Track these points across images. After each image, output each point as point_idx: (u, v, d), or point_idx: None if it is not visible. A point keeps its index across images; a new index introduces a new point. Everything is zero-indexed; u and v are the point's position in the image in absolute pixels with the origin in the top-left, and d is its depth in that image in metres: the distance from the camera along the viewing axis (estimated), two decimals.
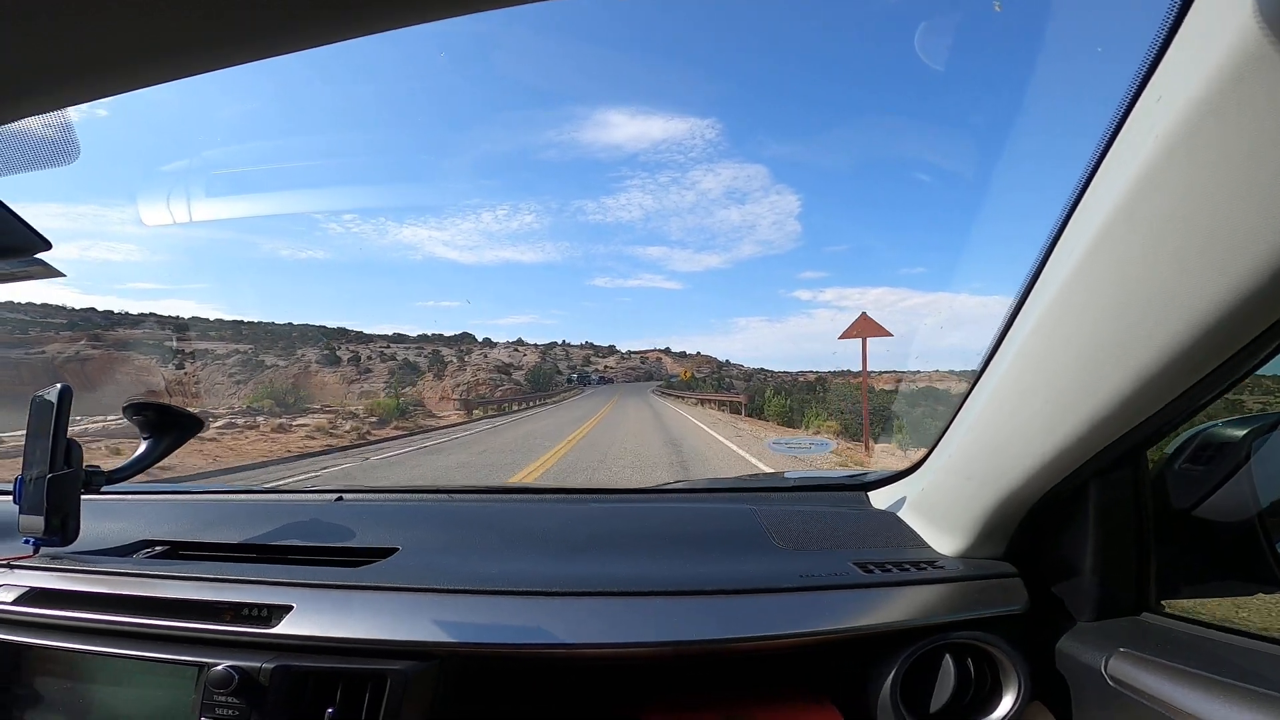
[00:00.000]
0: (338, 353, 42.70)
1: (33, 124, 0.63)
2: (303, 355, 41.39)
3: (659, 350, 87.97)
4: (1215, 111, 0.48)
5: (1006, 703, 0.87)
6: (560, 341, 79.77)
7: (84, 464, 1.03)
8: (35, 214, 0.73)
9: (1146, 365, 0.60)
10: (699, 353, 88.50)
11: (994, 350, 0.83)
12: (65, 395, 1.00)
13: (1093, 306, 0.63)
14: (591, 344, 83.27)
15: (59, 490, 0.98)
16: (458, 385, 42.86)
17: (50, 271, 0.87)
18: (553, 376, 59.28)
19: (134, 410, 1.14)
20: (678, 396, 36.30)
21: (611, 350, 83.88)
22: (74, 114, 0.64)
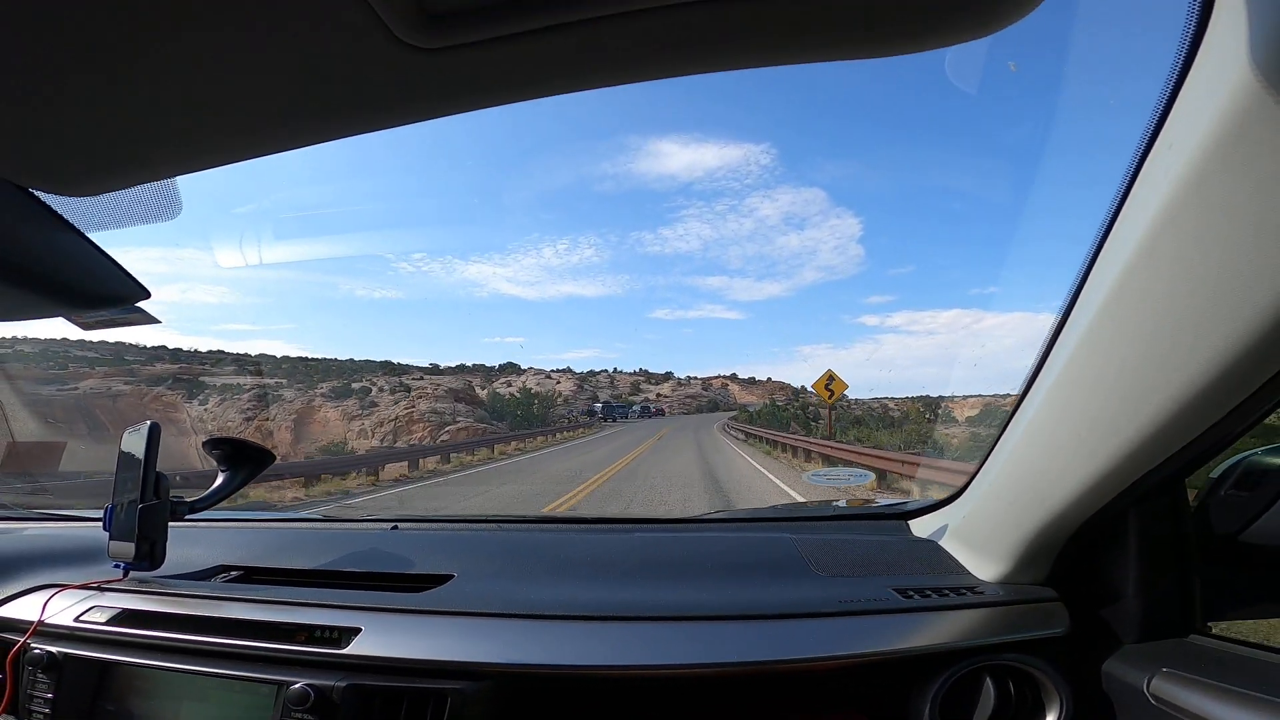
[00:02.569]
0: (351, 385, 35.78)
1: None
2: (319, 389, 33.90)
3: (724, 376, 77.29)
4: (1220, 158, 0.51)
5: None
6: (611, 369, 69.71)
7: (170, 494, 1.11)
8: (138, 259, 0.80)
9: (1180, 394, 0.62)
10: (769, 379, 77.31)
11: (1033, 377, 0.84)
12: (154, 431, 1.09)
13: (1126, 335, 0.66)
14: (645, 370, 73.45)
15: (149, 518, 1.07)
16: (379, 425, 29.24)
17: (147, 318, 0.96)
18: (554, 409, 42.45)
19: (212, 445, 1.22)
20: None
21: (668, 376, 73.41)
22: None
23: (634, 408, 56.37)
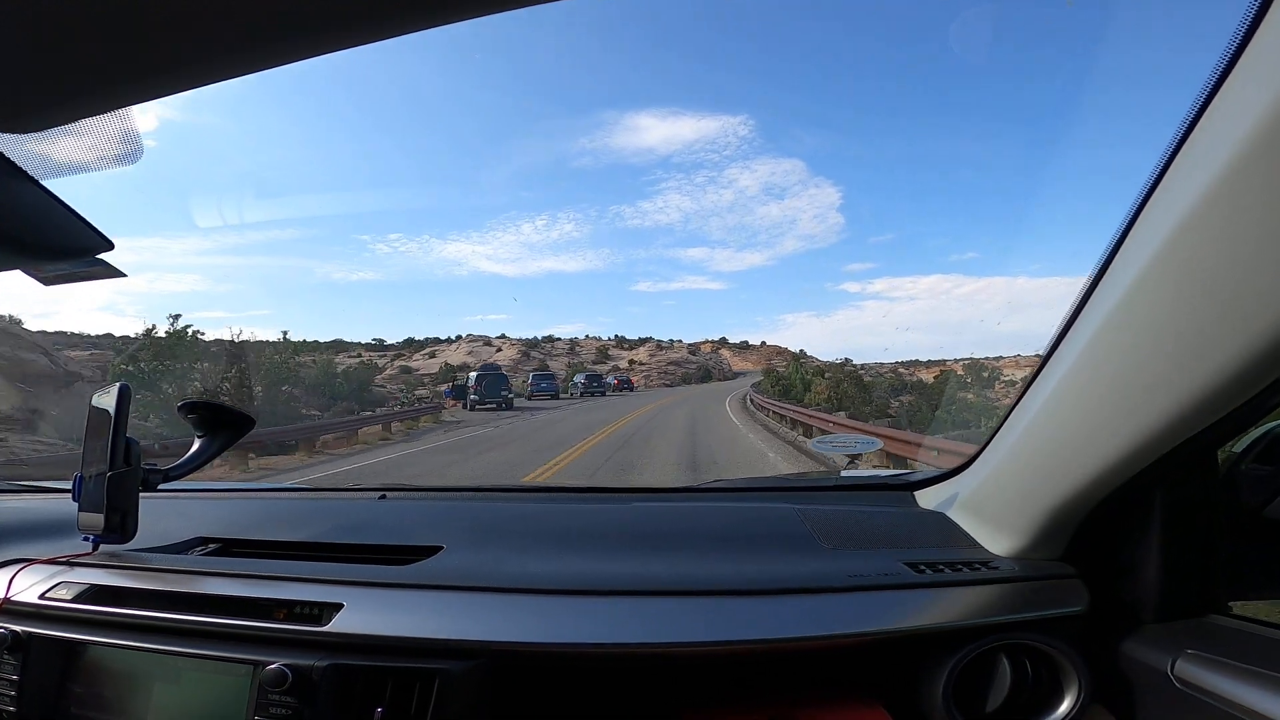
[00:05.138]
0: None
1: (103, 124, 0.64)
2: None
3: (713, 341, 70.86)
4: None
5: (1065, 704, 0.85)
6: (581, 335, 61.44)
7: (142, 462, 1.04)
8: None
9: (1225, 362, 0.58)
10: (764, 343, 71.82)
11: (1055, 345, 0.80)
12: (124, 394, 1.01)
13: (1170, 301, 0.62)
14: (621, 336, 66.42)
15: (119, 488, 1.00)
16: None
17: (112, 271, 0.89)
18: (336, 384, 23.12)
19: (188, 409, 1.15)
20: None
21: (644, 341, 64.77)
22: (138, 117, 0.66)
23: (576, 380, 34.94)
